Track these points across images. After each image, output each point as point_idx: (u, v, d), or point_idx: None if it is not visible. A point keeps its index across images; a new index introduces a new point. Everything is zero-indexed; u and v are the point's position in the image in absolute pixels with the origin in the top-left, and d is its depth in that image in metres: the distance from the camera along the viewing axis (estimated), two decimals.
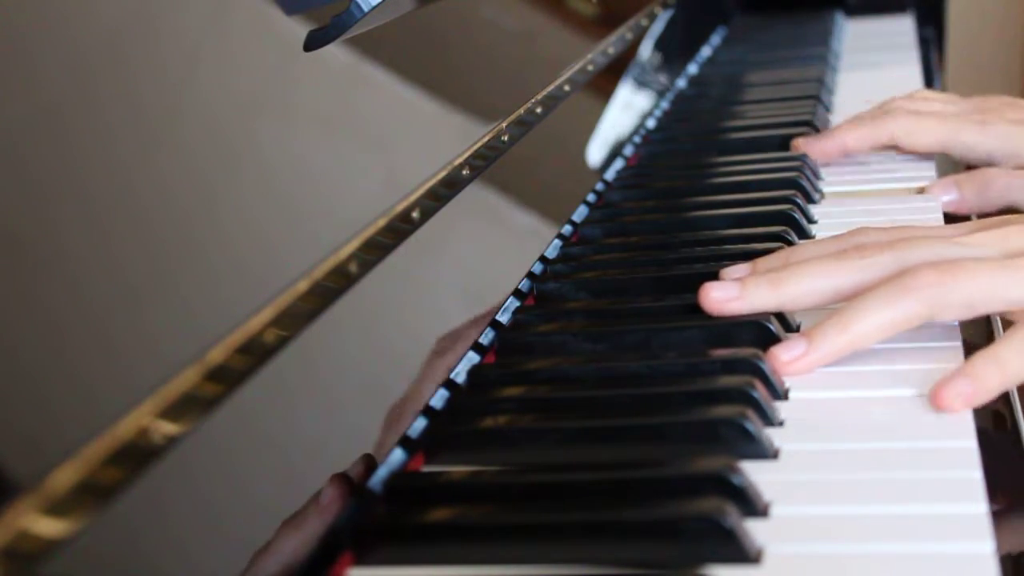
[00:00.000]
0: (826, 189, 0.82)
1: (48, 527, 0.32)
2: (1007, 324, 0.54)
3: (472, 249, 0.67)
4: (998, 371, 0.49)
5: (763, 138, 0.92)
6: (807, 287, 0.56)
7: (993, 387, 0.49)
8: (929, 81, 1.21)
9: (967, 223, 0.59)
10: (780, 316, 0.57)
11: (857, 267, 0.55)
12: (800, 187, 0.77)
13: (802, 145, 0.86)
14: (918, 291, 0.52)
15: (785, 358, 0.53)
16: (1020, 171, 0.76)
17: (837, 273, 0.56)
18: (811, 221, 0.74)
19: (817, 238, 0.72)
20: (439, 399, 0.54)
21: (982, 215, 0.76)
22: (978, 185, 0.75)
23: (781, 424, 0.50)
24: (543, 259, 0.70)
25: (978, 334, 0.56)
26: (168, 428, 0.37)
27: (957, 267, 0.52)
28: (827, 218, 0.75)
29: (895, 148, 0.84)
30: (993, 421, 0.52)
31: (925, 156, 0.84)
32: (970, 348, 0.53)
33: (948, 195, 0.76)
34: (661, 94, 1.09)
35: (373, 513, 0.46)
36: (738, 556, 0.40)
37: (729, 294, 0.57)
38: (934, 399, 0.49)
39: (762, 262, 0.59)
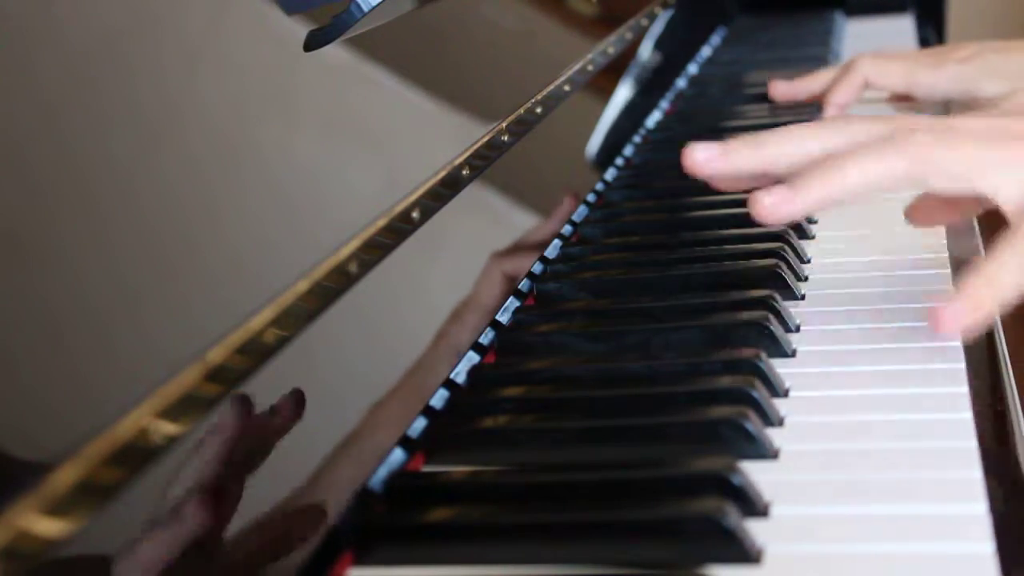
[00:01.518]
0: None
1: (48, 527, 0.32)
2: (989, 231, 0.54)
3: (472, 249, 0.66)
4: (992, 289, 0.49)
5: None
6: (793, 147, 0.55)
7: (991, 307, 0.49)
8: None
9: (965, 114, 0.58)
10: (780, 318, 0.57)
11: (847, 132, 0.54)
12: None
13: (777, 87, 0.98)
14: (908, 149, 0.51)
15: (768, 201, 0.52)
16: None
17: (825, 135, 0.54)
18: (811, 221, 0.74)
19: (818, 237, 0.72)
20: (439, 399, 0.54)
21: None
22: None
23: (781, 424, 0.50)
24: (543, 259, 0.70)
25: (977, 339, 0.56)
26: (168, 428, 0.37)
27: (952, 134, 0.52)
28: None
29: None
30: (993, 423, 0.52)
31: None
32: (969, 350, 0.53)
33: None
34: (661, 94, 1.09)
35: (373, 513, 0.46)
36: (738, 556, 0.40)
37: (711, 153, 0.56)
38: (932, 322, 0.49)
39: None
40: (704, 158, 0.56)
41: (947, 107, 0.97)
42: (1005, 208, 0.52)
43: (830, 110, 0.93)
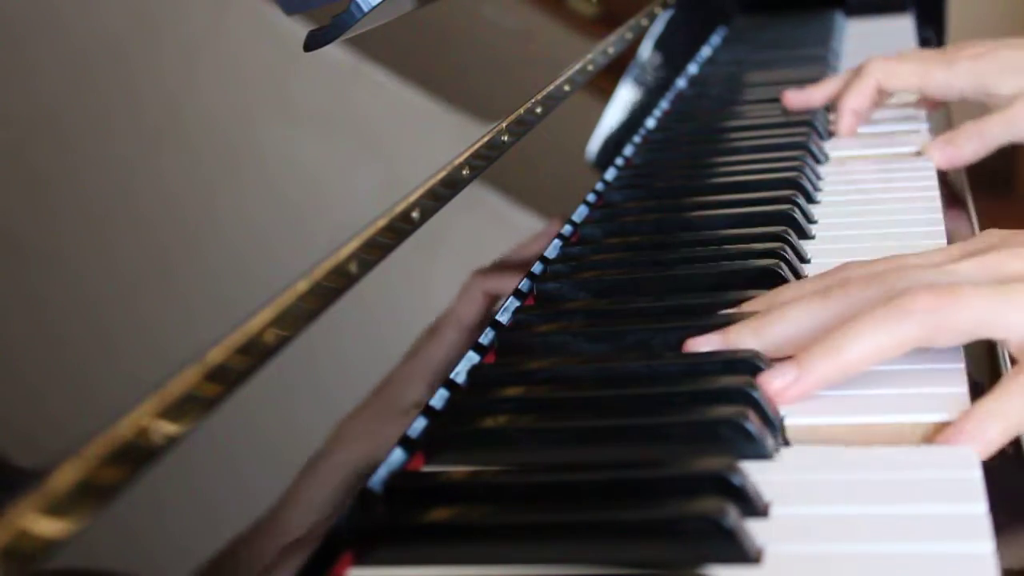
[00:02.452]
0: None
1: (48, 527, 0.32)
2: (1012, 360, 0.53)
3: (472, 249, 0.66)
4: (1000, 424, 0.48)
5: (763, 138, 0.92)
6: (792, 329, 0.53)
7: (995, 441, 0.47)
8: None
9: (952, 248, 0.57)
10: None
11: (845, 303, 0.53)
12: (800, 187, 0.77)
13: (790, 97, 0.98)
14: (914, 314, 0.50)
15: (776, 386, 0.50)
16: (1014, 109, 0.84)
17: (822, 311, 0.53)
18: (811, 221, 0.74)
19: (818, 237, 0.72)
20: (439, 399, 0.54)
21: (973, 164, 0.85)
22: (973, 135, 0.84)
23: (781, 423, 0.50)
24: (543, 259, 0.70)
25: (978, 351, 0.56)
26: (168, 428, 0.37)
27: (955, 291, 0.50)
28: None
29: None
30: None
31: (919, 119, 0.94)
32: (969, 350, 0.53)
33: (945, 152, 0.84)
34: (661, 94, 1.09)
35: (373, 513, 0.46)
36: (738, 556, 0.40)
37: (712, 345, 0.55)
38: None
39: (747, 306, 0.58)
40: (707, 348, 0.55)
41: (950, 120, 0.97)
42: (1015, 350, 0.51)
43: (844, 117, 0.93)
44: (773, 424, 0.49)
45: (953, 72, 0.88)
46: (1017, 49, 0.87)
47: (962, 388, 0.50)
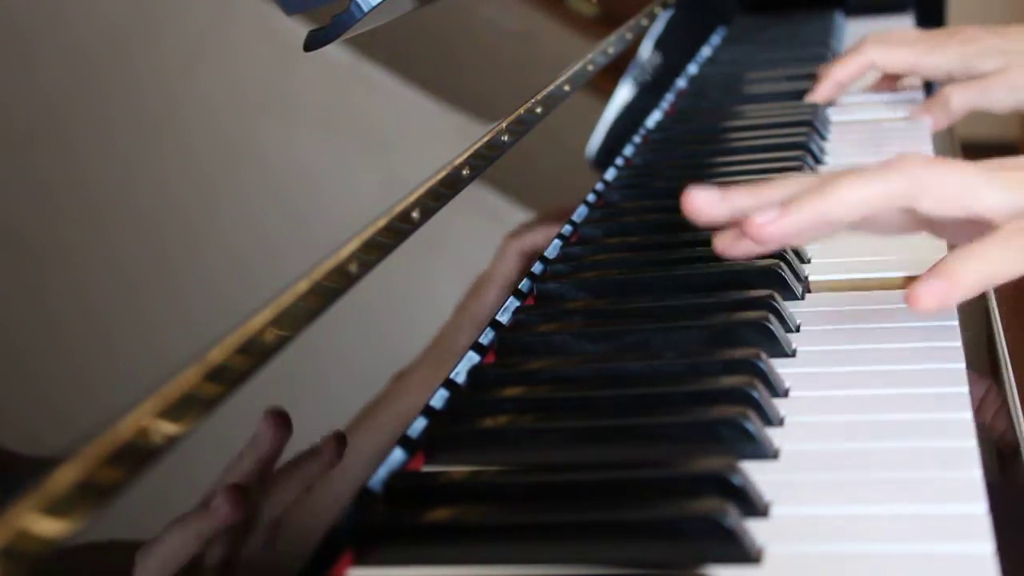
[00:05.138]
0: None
1: (48, 527, 0.32)
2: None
3: (472, 249, 0.66)
4: (972, 268, 0.50)
5: (763, 138, 0.92)
6: (789, 191, 0.55)
7: (967, 284, 0.50)
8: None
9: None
10: (780, 318, 0.57)
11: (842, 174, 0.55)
12: None
13: (814, 98, 1.02)
14: (906, 171, 0.52)
15: (759, 220, 0.52)
16: (968, 82, 0.94)
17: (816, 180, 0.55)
18: None
19: None
20: (439, 399, 0.54)
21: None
22: (939, 105, 0.94)
23: (781, 424, 0.50)
24: (543, 259, 0.70)
25: (977, 339, 0.56)
26: (168, 428, 0.37)
27: (944, 163, 0.53)
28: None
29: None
30: (994, 421, 0.52)
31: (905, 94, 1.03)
32: (969, 350, 0.53)
33: (923, 120, 0.94)
34: (661, 94, 1.09)
35: (373, 513, 0.46)
36: (738, 556, 0.40)
37: (712, 199, 0.56)
38: (908, 299, 0.49)
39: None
40: (705, 203, 0.56)
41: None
42: (995, 219, 0.52)
43: (827, 84, 1.00)
44: (773, 423, 0.49)
45: (943, 56, 0.96)
46: (1001, 36, 0.96)
47: (962, 388, 0.50)
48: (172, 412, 0.37)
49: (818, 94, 1.01)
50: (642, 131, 1.00)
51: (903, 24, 1.43)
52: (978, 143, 1.01)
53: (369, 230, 0.52)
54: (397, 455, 0.49)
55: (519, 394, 0.54)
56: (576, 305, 0.64)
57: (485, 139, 0.67)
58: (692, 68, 1.23)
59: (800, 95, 1.03)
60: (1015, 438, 0.50)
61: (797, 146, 0.88)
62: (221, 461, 0.42)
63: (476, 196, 0.66)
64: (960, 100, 0.93)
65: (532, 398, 0.54)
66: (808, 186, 0.54)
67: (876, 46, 0.99)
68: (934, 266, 0.50)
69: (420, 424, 0.52)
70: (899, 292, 0.61)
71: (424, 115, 0.70)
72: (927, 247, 0.61)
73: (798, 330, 0.59)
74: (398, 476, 0.48)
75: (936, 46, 0.97)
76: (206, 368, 0.39)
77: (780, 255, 0.64)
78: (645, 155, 0.94)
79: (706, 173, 0.86)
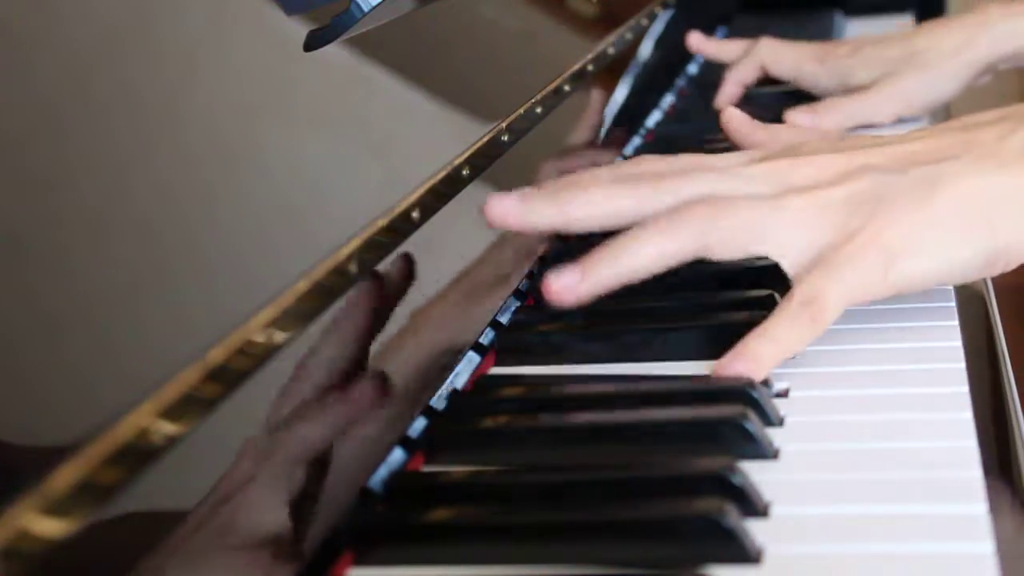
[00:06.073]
0: None
1: (48, 527, 0.32)
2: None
3: (472, 249, 0.66)
4: (766, 351, 0.51)
5: None
6: (589, 210, 0.55)
7: (769, 364, 0.51)
8: None
9: (752, 152, 0.60)
10: None
11: (636, 194, 0.55)
12: None
13: (696, 39, 1.06)
14: (691, 224, 0.53)
15: (556, 287, 0.53)
16: (863, 94, 0.90)
17: (617, 196, 0.55)
18: None
19: None
20: (439, 399, 0.54)
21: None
22: (831, 108, 0.89)
23: (781, 424, 0.50)
24: (543, 259, 0.70)
25: (977, 339, 0.56)
26: (168, 428, 0.37)
27: (730, 204, 0.53)
28: None
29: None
30: (993, 418, 0.52)
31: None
32: (969, 350, 0.53)
33: (809, 118, 0.89)
34: (661, 94, 1.09)
35: (373, 513, 0.46)
36: (738, 556, 0.40)
37: (510, 206, 0.56)
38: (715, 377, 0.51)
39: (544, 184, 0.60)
40: (503, 211, 0.55)
41: (948, 111, 0.97)
42: (789, 272, 0.54)
43: (728, 86, 0.99)
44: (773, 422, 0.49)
45: (822, 68, 0.95)
46: (879, 45, 0.93)
47: (962, 388, 0.50)
48: (172, 412, 0.37)
49: (723, 95, 0.99)
50: (642, 131, 1.00)
51: (903, 24, 1.43)
52: None
53: (369, 230, 0.52)
54: (397, 455, 0.49)
55: (519, 394, 0.54)
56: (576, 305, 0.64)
57: (485, 139, 0.67)
58: (692, 68, 1.23)
59: (800, 96, 1.03)
60: (1015, 438, 0.50)
61: None
62: (221, 461, 0.42)
63: (476, 196, 0.66)
64: (835, 116, 0.89)
65: (532, 398, 0.54)
66: (603, 202, 0.55)
67: (767, 47, 0.98)
68: (736, 346, 0.52)
69: (420, 424, 0.52)
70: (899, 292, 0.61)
71: (424, 115, 0.70)
72: None
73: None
74: (398, 476, 0.48)
75: (819, 58, 0.95)
76: (206, 368, 0.39)
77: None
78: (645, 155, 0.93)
79: None
